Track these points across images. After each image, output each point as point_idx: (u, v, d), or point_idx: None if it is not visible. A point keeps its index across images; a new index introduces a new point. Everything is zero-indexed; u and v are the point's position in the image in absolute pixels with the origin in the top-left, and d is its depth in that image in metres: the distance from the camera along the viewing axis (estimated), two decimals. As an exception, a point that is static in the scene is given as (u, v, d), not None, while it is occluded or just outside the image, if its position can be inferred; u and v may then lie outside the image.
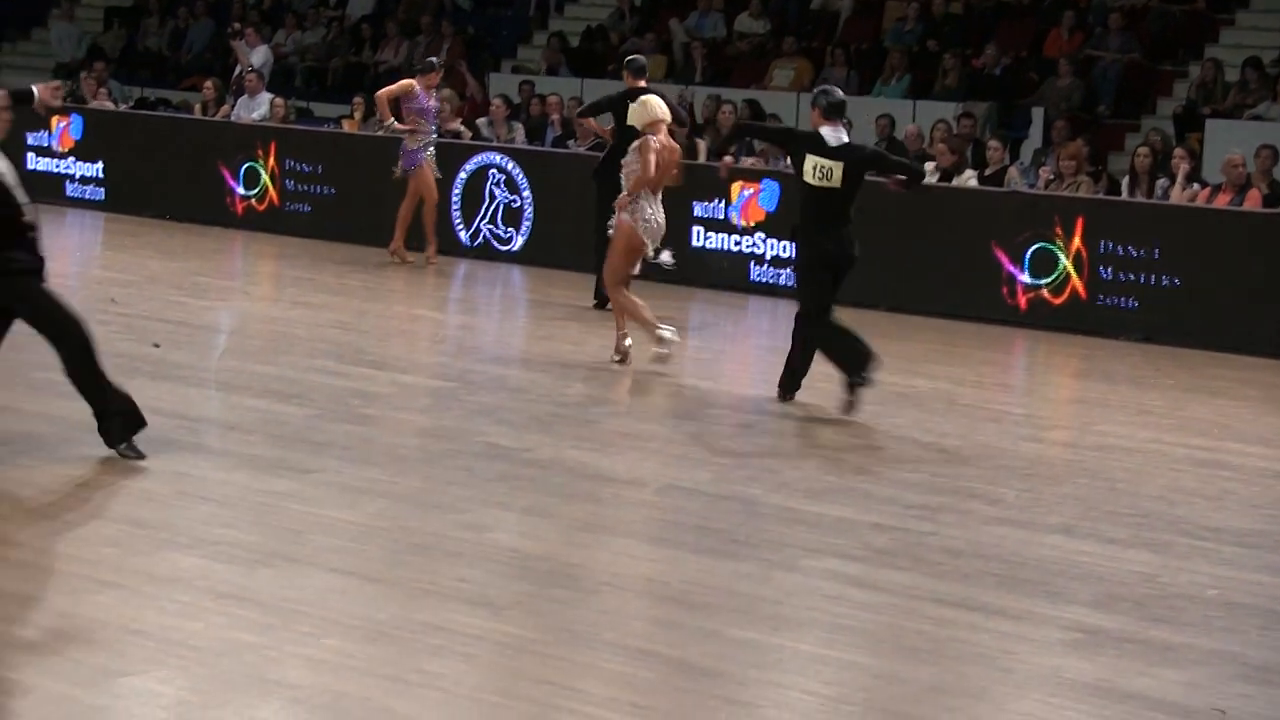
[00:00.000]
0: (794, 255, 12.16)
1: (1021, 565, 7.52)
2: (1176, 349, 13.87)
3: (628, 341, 11.57)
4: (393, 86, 16.11)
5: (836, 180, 10.69)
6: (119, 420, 8.04)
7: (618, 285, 11.79)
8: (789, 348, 10.86)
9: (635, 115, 12.26)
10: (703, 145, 16.34)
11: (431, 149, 15.70)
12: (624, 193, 11.59)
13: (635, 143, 11.83)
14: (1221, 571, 7.35)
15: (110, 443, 7.97)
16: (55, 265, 8.54)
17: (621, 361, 11.46)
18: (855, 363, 10.72)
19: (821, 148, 10.59)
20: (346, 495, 7.75)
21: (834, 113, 10.86)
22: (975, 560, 7.55)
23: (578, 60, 21.67)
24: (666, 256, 11.81)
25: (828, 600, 6.69)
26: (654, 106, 11.94)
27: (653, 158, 11.53)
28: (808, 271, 11.22)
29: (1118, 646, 6.40)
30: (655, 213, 11.61)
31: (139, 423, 7.97)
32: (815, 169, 10.70)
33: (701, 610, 6.38)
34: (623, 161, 12.01)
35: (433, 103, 15.77)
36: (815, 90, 11.76)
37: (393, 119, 15.87)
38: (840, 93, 11.42)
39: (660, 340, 11.64)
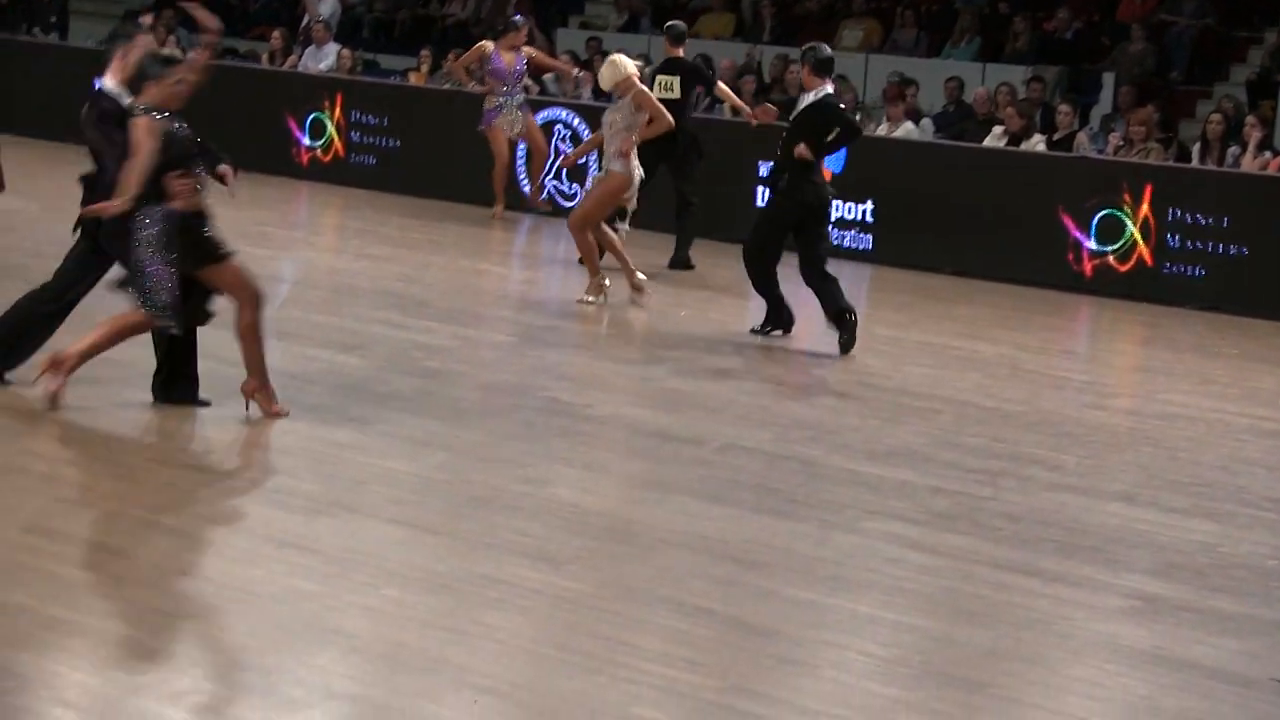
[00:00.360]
0: (773, 202, 12.25)
1: (1081, 532, 7.54)
2: (1243, 318, 13.91)
3: (640, 276, 12.06)
4: (467, 54, 16.33)
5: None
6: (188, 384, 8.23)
7: (587, 228, 12.17)
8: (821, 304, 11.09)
9: (605, 78, 12.42)
10: (773, 110, 16.40)
11: (510, 108, 15.77)
12: (631, 138, 11.99)
13: (628, 97, 12.12)
14: (1284, 543, 7.29)
15: (168, 397, 8.17)
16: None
17: (639, 291, 12.06)
18: (772, 318, 11.30)
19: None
20: (407, 447, 7.86)
21: (824, 69, 11.19)
22: (1034, 526, 7.57)
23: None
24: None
25: (886, 563, 6.75)
26: (622, 64, 12.14)
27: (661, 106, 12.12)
28: (782, 218, 11.43)
29: (1176, 615, 6.40)
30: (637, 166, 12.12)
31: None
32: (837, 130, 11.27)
33: (759, 569, 6.45)
34: (609, 120, 12.30)
35: (517, 64, 15.86)
36: (804, 48, 11.88)
37: (472, 82, 16.14)
38: (828, 49, 11.63)
39: (600, 288, 12.14)
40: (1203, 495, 8.29)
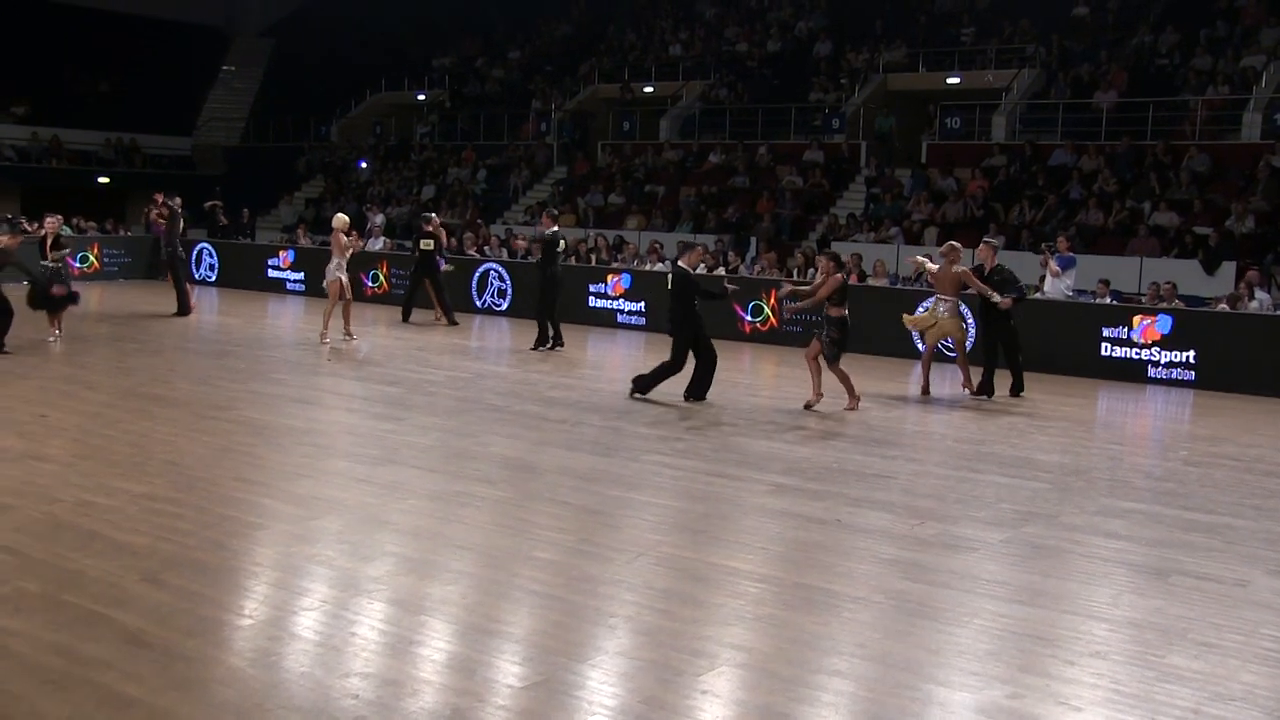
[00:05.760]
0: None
1: (748, 452, 10.79)
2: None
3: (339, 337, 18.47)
4: None
5: None
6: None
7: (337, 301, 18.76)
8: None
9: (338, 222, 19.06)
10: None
11: None
12: (340, 263, 18.49)
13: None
14: None
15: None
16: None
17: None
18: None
19: None
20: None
21: None
22: (727, 452, 10.99)
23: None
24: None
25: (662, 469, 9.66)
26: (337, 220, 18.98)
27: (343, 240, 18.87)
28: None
29: (796, 492, 9.42)
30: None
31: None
32: None
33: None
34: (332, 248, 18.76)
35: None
36: None
37: None
38: None
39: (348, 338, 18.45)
40: (802, 432, 12.20)
